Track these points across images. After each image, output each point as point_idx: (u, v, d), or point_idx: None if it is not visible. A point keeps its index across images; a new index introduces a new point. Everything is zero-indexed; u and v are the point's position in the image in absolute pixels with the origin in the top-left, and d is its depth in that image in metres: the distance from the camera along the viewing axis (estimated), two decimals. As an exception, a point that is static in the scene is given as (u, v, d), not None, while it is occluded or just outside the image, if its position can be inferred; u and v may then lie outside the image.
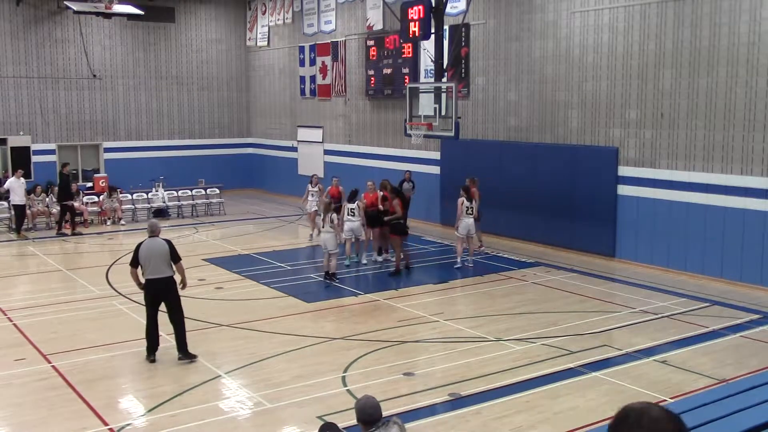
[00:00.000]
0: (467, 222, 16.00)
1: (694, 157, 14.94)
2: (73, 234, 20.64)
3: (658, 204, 15.65)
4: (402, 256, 15.82)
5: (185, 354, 10.45)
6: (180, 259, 10.53)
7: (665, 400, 8.85)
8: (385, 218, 15.89)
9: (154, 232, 10.52)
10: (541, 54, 17.87)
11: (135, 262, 10.42)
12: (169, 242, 10.51)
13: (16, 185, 20.27)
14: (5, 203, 21.44)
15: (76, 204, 21.29)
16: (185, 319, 10.59)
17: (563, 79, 17.41)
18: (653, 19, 15.37)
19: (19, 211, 20.44)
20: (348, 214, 15.98)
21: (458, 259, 16.12)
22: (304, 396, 9.20)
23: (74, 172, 26.39)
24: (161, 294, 10.46)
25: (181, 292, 10.60)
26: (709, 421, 6.08)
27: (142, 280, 10.50)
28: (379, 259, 16.91)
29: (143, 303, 10.70)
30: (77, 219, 21.25)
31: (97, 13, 24.07)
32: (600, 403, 8.87)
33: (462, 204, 16.00)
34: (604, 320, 12.32)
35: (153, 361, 10.43)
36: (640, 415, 2.38)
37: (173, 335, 10.56)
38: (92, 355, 10.80)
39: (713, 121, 14.53)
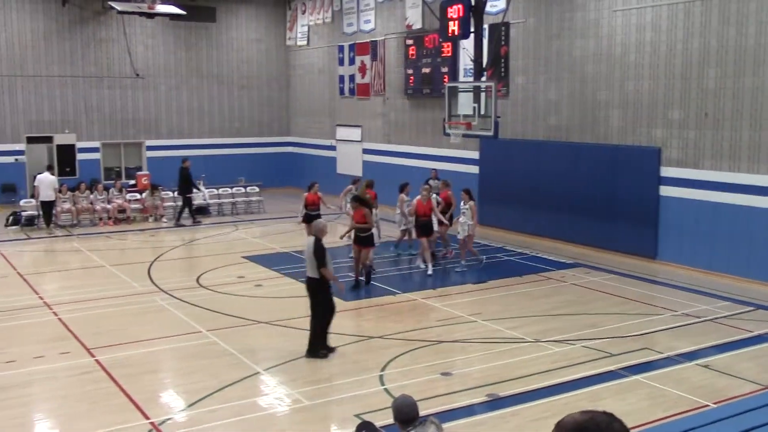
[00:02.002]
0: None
1: (739, 157, 14.65)
2: (195, 224, 22.14)
3: (702, 205, 15.38)
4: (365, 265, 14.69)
5: (310, 352, 10.49)
6: (323, 265, 10.33)
7: (708, 405, 8.72)
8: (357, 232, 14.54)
9: (314, 232, 10.60)
10: (581, 53, 17.68)
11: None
12: (317, 244, 10.39)
13: (45, 181, 20.83)
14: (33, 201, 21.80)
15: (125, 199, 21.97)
16: (318, 324, 10.56)
17: (604, 79, 17.20)
18: (697, 17, 15.11)
19: (46, 207, 21.09)
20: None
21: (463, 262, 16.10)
22: (342, 394, 9.24)
23: (117, 169, 26.94)
24: (308, 292, 10.63)
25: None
26: (754, 428, 5.98)
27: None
28: (429, 272, 15.62)
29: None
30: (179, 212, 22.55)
31: (141, 13, 24.45)
32: (641, 407, 8.75)
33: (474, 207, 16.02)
34: (645, 323, 12.15)
35: (324, 356, 10.51)
36: (593, 423, 2.22)
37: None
38: (134, 349, 10.97)
39: (759, 121, 14.23)
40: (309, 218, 16.81)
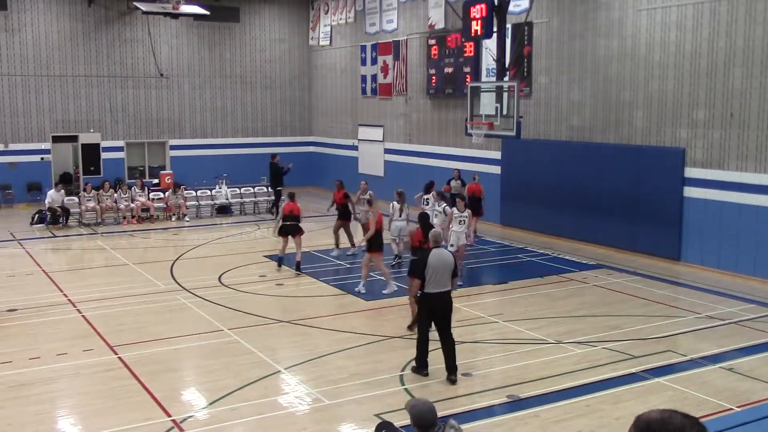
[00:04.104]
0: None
1: (765, 158, 14.47)
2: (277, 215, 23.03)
3: (727, 207, 15.21)
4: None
5: (454, 372, 9.67)
6: (457, 274, 10.01)
7: (731, 409, 8.62)
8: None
9: (438, 242, 9.87)
10: (605, 53, 17.56)
11: (423, 274, 9.47)
12: (450, 254, 10.11)
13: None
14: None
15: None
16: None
17: (628, 78, 17.07)
18: (723, 16, 14.94)
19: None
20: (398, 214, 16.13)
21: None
22: (362, 393, 9.24)
23: (141, 168, 27.19)
24: (443, 308, 9.67)
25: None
26: (778, 432, 5.89)
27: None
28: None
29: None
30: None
31: (165, 14, 24.66)
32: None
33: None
34: (668, 325, 12.04)
35: (427, 374, 9.74)
36: (663, 425, 2.26)
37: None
38: (156, 347, 11.06)
39: (786, 122, 14.05)
40: (286, 229, 15.97)
